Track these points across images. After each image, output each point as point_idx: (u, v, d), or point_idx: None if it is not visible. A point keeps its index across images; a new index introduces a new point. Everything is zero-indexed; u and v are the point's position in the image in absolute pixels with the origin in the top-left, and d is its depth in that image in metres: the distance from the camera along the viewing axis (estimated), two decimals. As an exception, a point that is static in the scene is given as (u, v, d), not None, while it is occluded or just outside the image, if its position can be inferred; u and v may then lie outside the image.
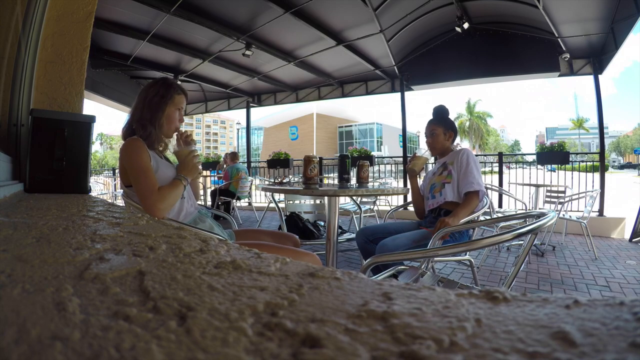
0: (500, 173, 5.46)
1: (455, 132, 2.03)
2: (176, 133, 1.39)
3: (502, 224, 2.66)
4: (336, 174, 6.72)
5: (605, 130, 5.13)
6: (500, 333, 0.19)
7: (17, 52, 1.31)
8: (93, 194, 1.44)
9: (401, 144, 6.52)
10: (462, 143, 43.22)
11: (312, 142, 30.08)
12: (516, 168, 9.12)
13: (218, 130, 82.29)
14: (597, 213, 4.57)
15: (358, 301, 0.24)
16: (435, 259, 1.66)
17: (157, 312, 0.23)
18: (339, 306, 0.24)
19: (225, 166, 5.95)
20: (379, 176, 6.92)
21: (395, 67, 6.09)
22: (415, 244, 1.68)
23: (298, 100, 7.98)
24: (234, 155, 5.93)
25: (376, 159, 6.79)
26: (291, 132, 31.87)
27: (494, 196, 4.76)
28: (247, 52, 5.27)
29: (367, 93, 7.16)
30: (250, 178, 5.88)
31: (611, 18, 4.23)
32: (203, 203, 6.15)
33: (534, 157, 5.48)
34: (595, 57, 5.05)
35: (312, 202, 2.91)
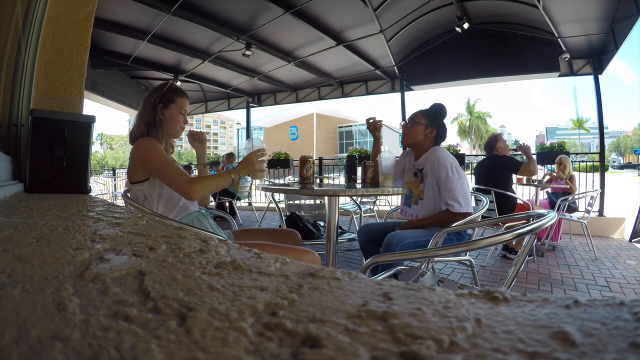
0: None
1: (440, 134, 1.86)
2: (186, 132, 1.51)
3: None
4: (336, 174, 6.77)
5: (605, 130, 5.14)
6: (500, 333, 0.19)
7: (17, 52, 1.31)
8: (93, 194, 1.44)
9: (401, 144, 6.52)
10: (462, 143, 43.05)
11: (312, 142, 30.07)
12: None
13: (218, 130, 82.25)
14: (597, 213, 4.57)
15: (358, 301, 0.24)
16: (435, 259, 1.66)
17: (157, 312, 0.23)
18: (339, 306, 0.24)
19: (222, 168, 5.98)
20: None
21: (395, 67, 6.10)
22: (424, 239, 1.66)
23: (298, 101, 7.99)
24: (230, 156, 5.97)
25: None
26: (291, 132, 31.84)
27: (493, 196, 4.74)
28: (247, 52, 5.27)
29: (367, 93, 7.17)
30: (249, 178, 5.88)
31: (611, 18, 4.23)
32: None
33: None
34: (595, 57, 5.05)
35: (312, 202, 2.91)
